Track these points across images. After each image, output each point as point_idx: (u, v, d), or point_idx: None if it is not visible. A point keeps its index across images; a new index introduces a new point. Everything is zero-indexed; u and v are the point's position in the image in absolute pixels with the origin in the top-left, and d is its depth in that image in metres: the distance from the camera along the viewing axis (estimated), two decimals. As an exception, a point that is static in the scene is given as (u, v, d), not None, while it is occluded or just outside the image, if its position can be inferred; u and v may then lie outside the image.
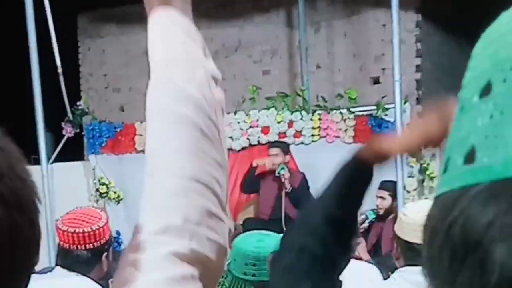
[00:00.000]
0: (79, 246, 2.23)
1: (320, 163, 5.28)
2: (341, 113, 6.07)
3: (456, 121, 0.38)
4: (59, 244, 2.28)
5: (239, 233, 2.56)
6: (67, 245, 2.23)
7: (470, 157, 0.35)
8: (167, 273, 0.63)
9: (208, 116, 0.72)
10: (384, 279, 2.59)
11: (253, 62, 7.27)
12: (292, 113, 6.20)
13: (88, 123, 6.52)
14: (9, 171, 0.49)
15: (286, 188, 5.52)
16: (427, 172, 5.75)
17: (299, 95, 6.47)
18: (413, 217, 1.99)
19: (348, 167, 1.12)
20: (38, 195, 0.52)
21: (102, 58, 7.92)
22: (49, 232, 4.56)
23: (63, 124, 5.91)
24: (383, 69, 6.62)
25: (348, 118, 6.02)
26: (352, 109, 6.12)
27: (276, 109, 6.24)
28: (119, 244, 5.94)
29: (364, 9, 6.74)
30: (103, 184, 6.40)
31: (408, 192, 5.60)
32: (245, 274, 1.84)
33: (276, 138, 6.14)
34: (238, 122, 6.25)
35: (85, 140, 6.78)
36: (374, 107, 6.04)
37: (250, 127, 6.28)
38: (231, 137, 6.05)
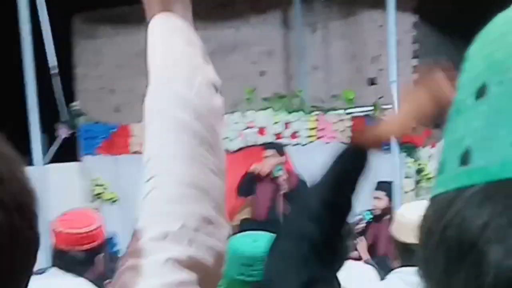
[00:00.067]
0: (74, 247, 2.24)
1: (316, 164, 5.27)
2: (337, 114, 6.07)
3: (451, 123, 0.38)
4: (54, 245, 2.28)
5: (235, 233, 2.54)
6: (63, 246, 2.24)
7: (465, 159, 0.35)
8: (166, 279, 0.64)
9: (207, 122, 0.73)
10: (381, 279, 2.59)
11: (250, 63, 7.27)
12: (288, 114, 6.20)
13: (83, 124, 6.51)
14: (9, 176, 0.50)
15: (282, 189, 5.51)
16: (424, 173, 5.76)
17: (296, 96, 6.47)
18: (409, 218, 1.99)
19: (344, 154, 1.15)
20: (37, 200, 0.54)
21: (97, 59, 7.91)
22: (44, 233, 4.54)
23: (58, 125, 5.90)
24: (380, 70, 6.63)
25: (345, 119, 6.02)
26: (348, 110, 6.13)
27: (272, 110, 6.24)
28: (114, 245, 5.93)
29: (361, 10, 6.76)
30: (98, 185, 6.39)
31: (405, 193, 5.61)
32: (240, 275, 1.82)
33: (272, 139, 6.15)
34: (235, 123, 6.25)
35: (80, 141, 6.77)
36: (371, 108, 6.04)
37: (247, 127, 6.28)
38: (227, 138, 6.05)
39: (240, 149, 6.30)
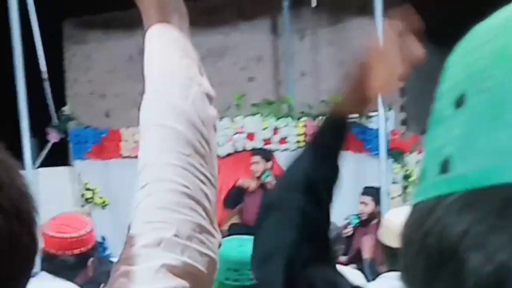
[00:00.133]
0: (65, 252, 2.23)
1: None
2: (325, 120, 6.09)
3: (431, 132, 0.38)
4: (43, 249, 2.26)
5: (223, 237, 2.55)
6: (53, 250, 2.22)
7: (445, 167, 0.35)
8: (159, 285, 0.65)
9: (200, 133, 0.75)
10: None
11: (239, 69, 7.28)
12: (277, 120, 6.23)
13: (73, 128, 6.51)
14: (9, 182, 0.51)
15: (271, 195, 5.53)
16: (411, 179, 5.79)
17: (285, 102, 6.50)
18: (396, 223, 2.00)
19: (323, 125, 1.15)
20: (36, 207, 0.55)
21: (88, 63, 7.88)
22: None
23: (48, 129, 5.90)
24: (367, 76, 6.65)
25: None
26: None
27: (261, 115, 6.27)
28: (104, 249, 5.93)
29: (349, 17, 6.79)
30: (89, 189, 6.39)
31: (392, 198, 5.64)
32: (227, 279, 1.81)
33: (261, 144, 6.16)
34: (224, 128, 6.26)
35: (70, 145, 6.76)
36: (358, 115, 6.07)
37: (236, 133, 6.30)
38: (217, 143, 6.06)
39: (229, 154, 6.32)
